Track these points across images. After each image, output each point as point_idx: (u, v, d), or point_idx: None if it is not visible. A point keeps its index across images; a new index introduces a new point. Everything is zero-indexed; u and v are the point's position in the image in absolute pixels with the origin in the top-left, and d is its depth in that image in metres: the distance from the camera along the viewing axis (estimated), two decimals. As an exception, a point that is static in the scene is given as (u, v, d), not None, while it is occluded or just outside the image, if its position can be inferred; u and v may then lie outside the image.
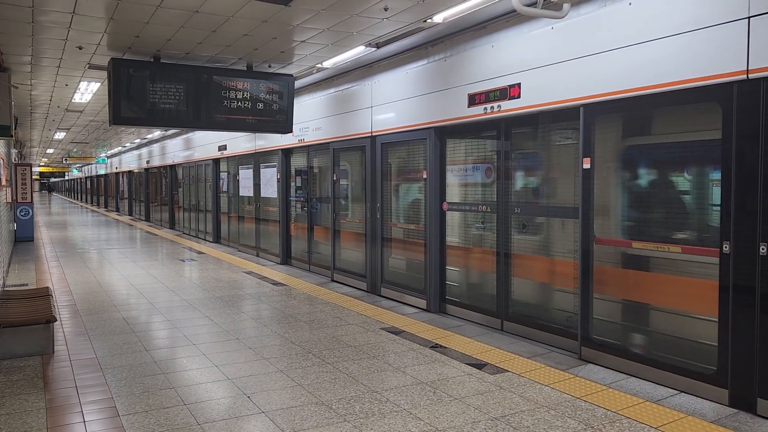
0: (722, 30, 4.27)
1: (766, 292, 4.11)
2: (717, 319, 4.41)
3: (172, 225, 21.45)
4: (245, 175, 14.11)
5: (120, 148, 27.99)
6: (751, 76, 4.11)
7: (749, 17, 4.10)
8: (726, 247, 4.32)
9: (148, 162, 24.40)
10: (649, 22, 4.78)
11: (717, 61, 4.30)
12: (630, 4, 4.94)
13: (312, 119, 10.41)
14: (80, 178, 56.38)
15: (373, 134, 8.61)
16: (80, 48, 7.71)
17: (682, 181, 5.19)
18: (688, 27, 4.49)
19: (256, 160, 13.32)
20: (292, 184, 11.93)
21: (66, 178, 66.70)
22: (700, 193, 4.97)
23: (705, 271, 4.59)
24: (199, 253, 14.03)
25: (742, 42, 4.14)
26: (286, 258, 12.08)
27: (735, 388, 4.30)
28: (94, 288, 9.24)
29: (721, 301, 4.38)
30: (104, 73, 8.89)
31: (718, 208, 4.41)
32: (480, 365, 5.33)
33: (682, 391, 4.61)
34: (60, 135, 20.60)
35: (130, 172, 29.21)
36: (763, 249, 4.11)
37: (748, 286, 4.20)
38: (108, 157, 34.27)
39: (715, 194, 4.48)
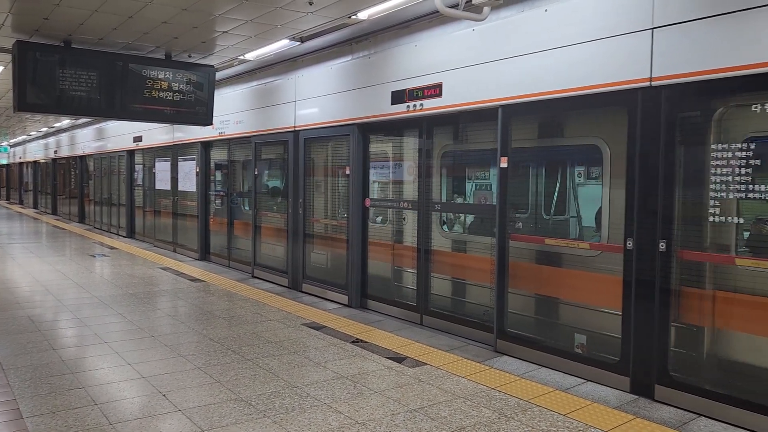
0: (629, 39, 4.54)
1: (665, 286, 4.42)
2: (620, 312, 4.69)
3: (81, 219, 20.42)
4: (162, 168, 13.63)
5: (25, 136, 26.36)
6: (654, 83, 4.40)
7: (653, 28, 4.38)
8: (629, 244, 4.60)
9: (56, 152, 23.11)
10: (563, 29, 5.00)
11: (624, 68, 4.57)
12: (546, 11, 5.16)
13: (233, 112, 10.20)
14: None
15: (297, 129, 8.55)
16: (-19, 28, 7.22)
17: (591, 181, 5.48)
18: (599, 35, 4.74)
19: (174, 152, 12.90)
20: (212, 178, 11.65)
21: (-38, 167, 62.42)
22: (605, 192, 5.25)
23: (611, 267, 4.87)
24: (112, 248, 13.44)
25: (646, 51, 4.42)
26: (204, 254, 11.78)
27: (636, 376, 4.58)
28: (-5, 284, 8.69)
29: (624, 294, 4.66)
30: (8, 56, 8.36)
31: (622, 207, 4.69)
32: (400, 359, 5.41)
33: (588, 380, 4.87)
34: (-44, 121, 19.19)
35: (35, 162, 27.57)
36: (662, 245, 4.40)
37: (649, 280, 4.49)
38: (11, 146, 32.23)
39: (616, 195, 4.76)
